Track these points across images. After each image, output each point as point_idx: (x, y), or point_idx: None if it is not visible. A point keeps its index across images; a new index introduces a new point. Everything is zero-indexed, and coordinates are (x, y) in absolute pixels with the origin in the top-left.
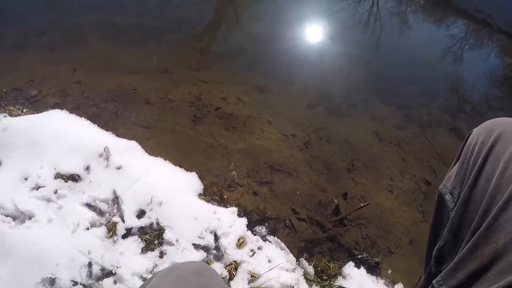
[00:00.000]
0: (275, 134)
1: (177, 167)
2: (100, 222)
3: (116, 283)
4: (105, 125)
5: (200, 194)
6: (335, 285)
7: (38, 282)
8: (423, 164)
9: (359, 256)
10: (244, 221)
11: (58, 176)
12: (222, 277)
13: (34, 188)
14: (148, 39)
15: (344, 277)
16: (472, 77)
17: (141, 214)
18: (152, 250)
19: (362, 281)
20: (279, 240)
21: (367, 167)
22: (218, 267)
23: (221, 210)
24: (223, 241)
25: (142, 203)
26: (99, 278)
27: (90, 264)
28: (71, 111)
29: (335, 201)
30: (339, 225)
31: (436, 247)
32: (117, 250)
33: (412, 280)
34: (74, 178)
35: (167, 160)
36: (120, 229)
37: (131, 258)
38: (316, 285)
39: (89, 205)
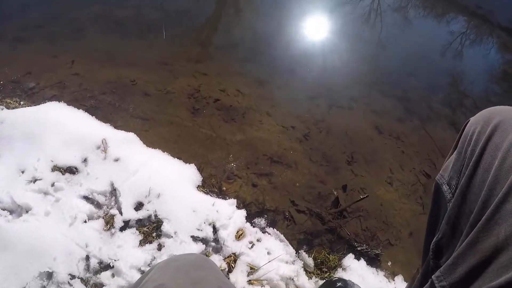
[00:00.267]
0: (274, 126)
1: (176, 159)
2: (97, 215)
3: (114, 276)
4: (103, 117)
5: (198, 186)
6: (335, 277)
7: (36, 276)
8: (423, 157)
9: (359, 248)
10: (243, 213)
11: (55, 168)
12: (221, 270)
13: (31, 181)
14: (147, 31)
15: (344, 269)
16: (472, 72)
17: (139, 206)
18: (150, 242)
19: (362, 273)
20: (278, 232)
21: (366, 159)
22: (217, 260)
23: (220, 202)
24: (222, 233)
25: (140, 195)
26: (97, 272)
27: (87, 258)
28: (69, 103)
29: (335, 193)
30: (339, 217)
31: (434, 240)
32: (115, 243)
33: (412, 272)
34: (71, 170)
35: (165, 152)
36: (118, 222)
37: (129, 251)
38: (316, 277)
39: (86, 198)
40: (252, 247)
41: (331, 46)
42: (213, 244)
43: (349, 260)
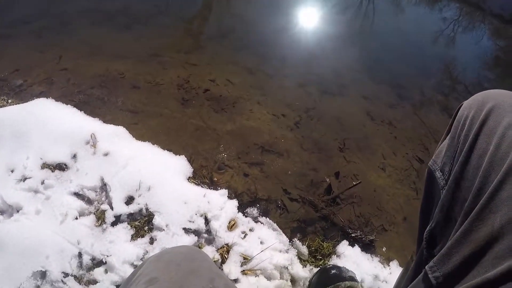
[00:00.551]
0: (265, 115)
1: (166, 151)
2: (88, 211)
3: (107, 272)
4: (92, 112)
5: (189, 177)
6: (330, 264)
7: (29, 276)
8: (416, 143)
9: (353, 235)
10: (234, 203)
11: (45, 166)
12: (214, 261)
13: (20, 180)
14: (135, 23)
15: (338, 256)
16: (465, 58)
17: (129, 200)
18: (142, 236)
19: (357, 260)
20: (271, 221)
21: (359, 146)
22: (210, 251)
23: (211, 193)
24: (214, 224)
25: (131, 189)
26: (90, 268)
27: (80, 255)
28: (57, 99)
29: (327, 180)
30: (332, 204)
31: (427, 229)
32: (106, 238)
33: (407, 258)
34: (61, 167)
35: (155, 145)
36: (109, 217)
37: (121, 246)
38: (310, 264)
39: (77, 194)
40: (244, 237)
41: (323, 33)
42: (205, 235)
43: (344, 247)
